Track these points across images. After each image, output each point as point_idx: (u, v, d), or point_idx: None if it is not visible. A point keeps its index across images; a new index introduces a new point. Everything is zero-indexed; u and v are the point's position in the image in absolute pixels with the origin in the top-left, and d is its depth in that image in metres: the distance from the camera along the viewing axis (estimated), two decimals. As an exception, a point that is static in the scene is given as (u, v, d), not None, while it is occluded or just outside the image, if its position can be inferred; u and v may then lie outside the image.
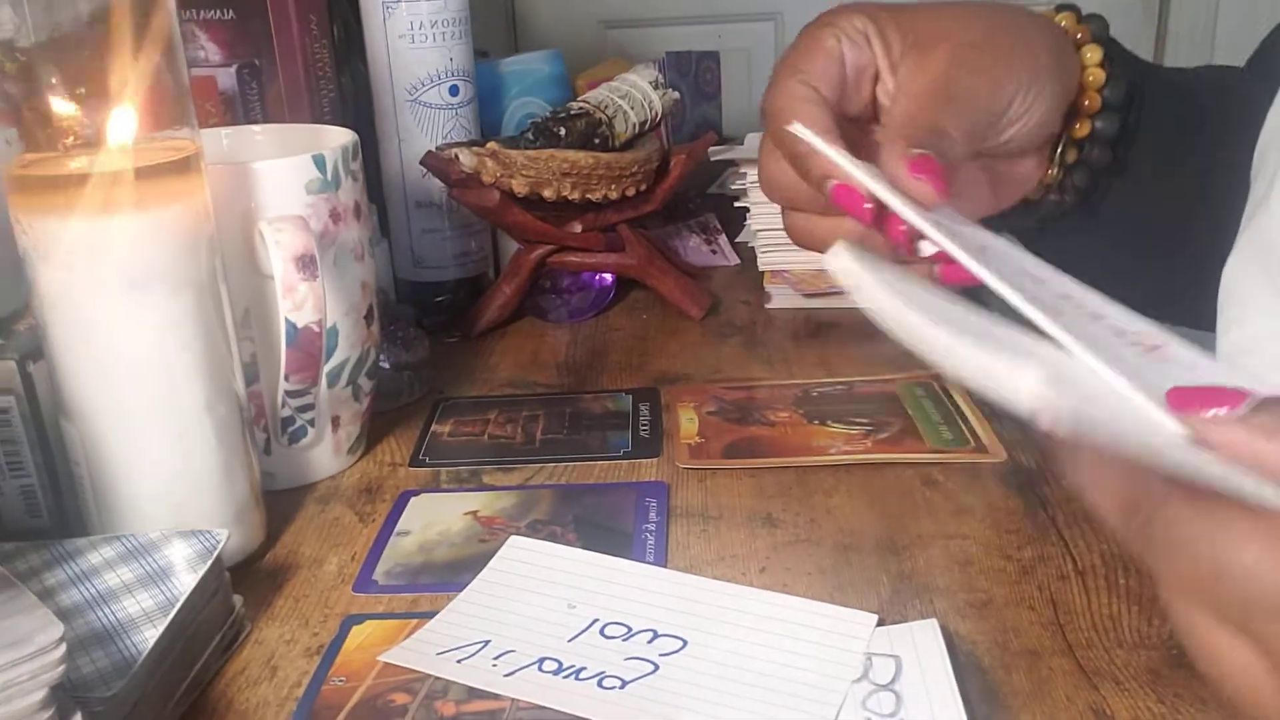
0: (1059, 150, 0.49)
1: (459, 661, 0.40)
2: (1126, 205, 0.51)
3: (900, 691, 0.37)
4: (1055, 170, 0.50)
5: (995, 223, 0.46)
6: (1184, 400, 0.29)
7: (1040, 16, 0.49)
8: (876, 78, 0.47)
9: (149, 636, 0.37)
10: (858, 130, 0.47)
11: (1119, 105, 0.49)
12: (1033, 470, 0.53)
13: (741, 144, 0.86)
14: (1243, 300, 0.43)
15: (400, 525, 0.51)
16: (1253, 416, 0.28)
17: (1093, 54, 0.49)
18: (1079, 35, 0.49)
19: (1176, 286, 0.52)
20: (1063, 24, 0.50)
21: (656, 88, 0.77)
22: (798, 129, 0.42)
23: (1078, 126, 0.49)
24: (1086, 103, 0.49)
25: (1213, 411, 0.28)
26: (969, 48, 0.44)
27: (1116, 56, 0.49)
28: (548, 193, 0.69)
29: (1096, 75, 0.49)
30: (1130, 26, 1.73)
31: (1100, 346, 0.30)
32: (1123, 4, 1.73)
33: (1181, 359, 0.31)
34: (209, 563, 0.41)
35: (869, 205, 0.41)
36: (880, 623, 0.41)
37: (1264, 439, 0.28)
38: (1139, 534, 0.29)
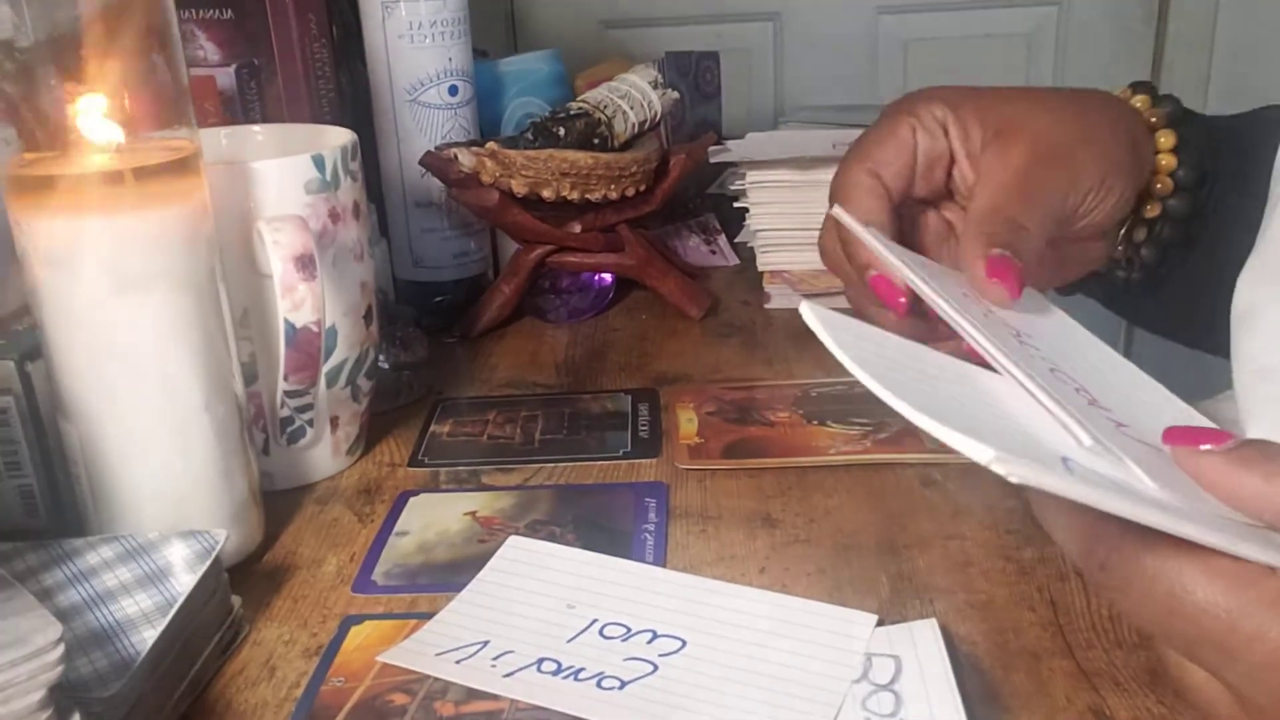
0: (1126, 230, 0.50)
1: (458, 662, 0.40)
2: (1194, 277, 0.52)
3: (900, 691, 0.37)
4: (1123, 249, 0.51)
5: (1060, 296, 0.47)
6: (1177, 434, 0.31)
7: (1118, 102, 0.50)
8: (952, 163, 0.48)
9: (147, 637, 0.37)
10: (931, 210, 0.49)
11: (1190, 186, 0.50)
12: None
13: (742, 139, 0.86)
14: (1260, 325, 0.43)
15: (399, 525, 0.51)
16: (1233, 450, 0.30)
17: (1166, 139, 0.49)
18: (1153, 120, 0.50)
19: None
20: (1137, 105, 0.50)
21: (656, 88, 0.77)
22: (840, 214, 0.44)
23: (1148, 208, 0.50)
24: (1159, 186, 0.49)
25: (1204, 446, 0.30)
26: (1049, 143, 0.45)
27: (1189, 138, 0.50)
28: (547, 193, 0.69)
29: (1169, 161, 0.49)
30: (1130, 26, 1.73)
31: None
32: (1123, 3, 1.73)
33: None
34: (207, 563, 0.41)
35: (903, 300, 0.43)
36: (880, 623, 0.41)
37: (1242, 470, 0.29)
38: (1096, 575, 0.30)
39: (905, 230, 0.48)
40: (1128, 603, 0.30)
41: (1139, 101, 0.50)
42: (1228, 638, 0.28)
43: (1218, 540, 0.27)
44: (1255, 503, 0.29)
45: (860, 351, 0.30)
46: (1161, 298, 0.53)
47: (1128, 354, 0.41)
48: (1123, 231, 0.51)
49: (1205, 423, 0.36)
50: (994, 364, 0.34)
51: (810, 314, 0.31)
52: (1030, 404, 0.32)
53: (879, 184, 0.46)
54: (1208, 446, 0.30)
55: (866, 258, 0.44)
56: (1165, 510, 0.27)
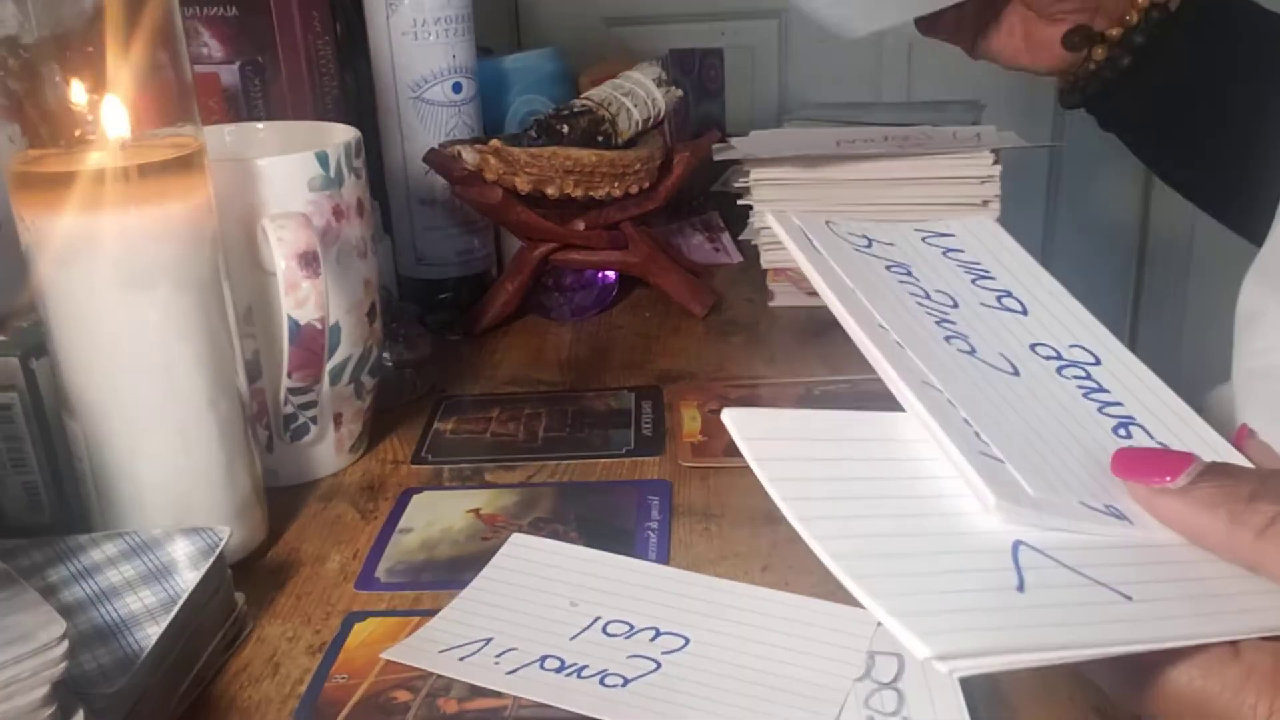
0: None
1: (461, 659, 0.40)
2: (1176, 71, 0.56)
3: (903, 689, 0.37)
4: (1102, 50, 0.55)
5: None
6: (1128, 466, 0.30)
7: None
8: None
9: (151, 633, 0.37)
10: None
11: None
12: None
13: (746, 137, 0.86)
14: (1261, 325, 0.43)
15: (402, 523, 0.51)
16: (1193, 488, 0.29)
17: None
18: None
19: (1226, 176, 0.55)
20: None
21: (660, 85, 0.77)
22: (771, 220, 0.39)
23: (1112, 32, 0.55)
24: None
25: (1151, 480, 0.29)
26: None
27: None
28: (551, 190, 0.69)
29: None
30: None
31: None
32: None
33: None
34: (211, 560, 0.41)
35: None
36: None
37: (1203, 512, 0.28)
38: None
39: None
40: (1101, 680, 0.30)
41: None
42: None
43: (1188, 637, 0.26)
44: (1221, 547, 0.28)
45: (783, 468, 0.29)
46: (1144, 97, 0.57)
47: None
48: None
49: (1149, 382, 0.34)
50: (901, 401, 0.32)
51: (729, 419, 0.30)
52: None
53: None
54: (1165, 481, 0.29)
55: None
56: (1136, 630, 0.26)
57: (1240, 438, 0.33)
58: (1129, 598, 0.27)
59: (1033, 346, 0.36)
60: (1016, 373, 0.34)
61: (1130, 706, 0.29)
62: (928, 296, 0.37)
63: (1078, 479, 0.31)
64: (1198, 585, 0.28)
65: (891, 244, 0.40)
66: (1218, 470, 0.29)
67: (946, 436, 0.30)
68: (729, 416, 0.30)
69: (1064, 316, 0.38)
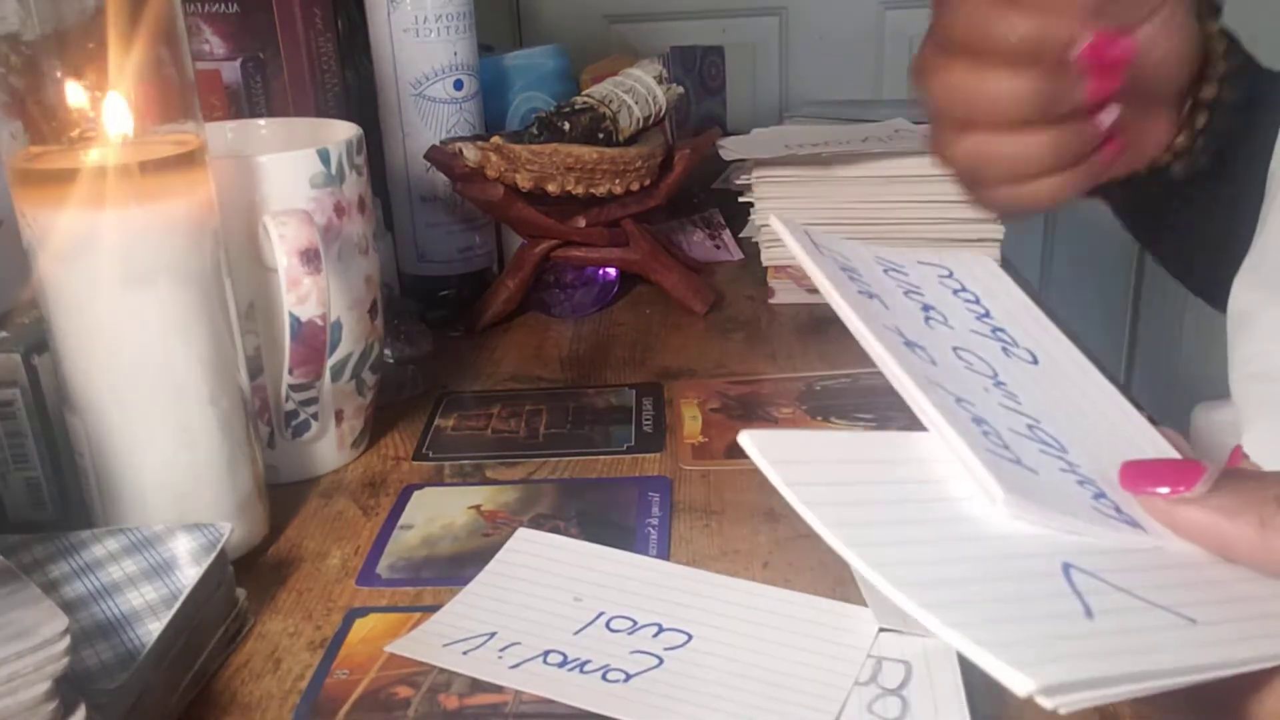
0: (1187, 112, 0.49)
1: (465, 653, 0.40)
2: (1257, 171, 0.50)
3: (907, 697, 0.37)
4: (1184, 135, 0.49)
5: (1127, 192, 0.45)
6: (1139, 478, 0.28)
7: None
8: None
9: (153, 629, 0.37)
10: None
11: (1242, 72, 0.48)
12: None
13: (747, 134, 0.86)
14: (1251, 329, 0.43)
15: (403, 519, 0.51)
16: (1211, 498, 0.27)
17: (1213, 25, 0.48)
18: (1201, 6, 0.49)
19: None
20: None
21: (661, 82, 0.77)
22: (775, 223, 0.40)
23: (1205, 89, 0.48)
24: (1211, 68, 0.48)
25: (1166, 489, 0.28)
26: None
27: (1229, 35, 0.49)
28: (552, 187, 0.69)
29: (1219, 42, 0.48)
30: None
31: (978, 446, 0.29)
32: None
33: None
34: (213, 556, 0.41)
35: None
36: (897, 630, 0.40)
37: (1228, 521, 0.27)
38: None
39: None
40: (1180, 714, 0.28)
41: None
42: None
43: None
44: (1252, 555, 0.27)
45: (811, 490, 0.27)
46: (1224, 196, 0.51)
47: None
48: (1185, 112, 0.49)
49: (1141, 423, 0.33)
50: (908, 400, 0.31)
51: (749, 443, 0.28)
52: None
53: None
54: (1180, 490, 0.27)
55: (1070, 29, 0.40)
56: (1220, 653, 0.25)
57: (1233, 461, 0.32)
58: (1193, 620, 0.25)
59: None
60: (1017, 398, 0.34)
61: None
62: (930, 309, 0.37)
63: (1087, 485, 0.30)
64: (1254, 605, 0.27)
65: (901, 268, 0.40)
66: (1235, 475, 0.28)
67: (954, 432, 0.29)
68: (747, 439, 0.29)
69: (1063, 362, 0.37)
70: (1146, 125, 0.48)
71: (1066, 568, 0.26)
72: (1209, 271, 0.51)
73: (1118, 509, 0.29)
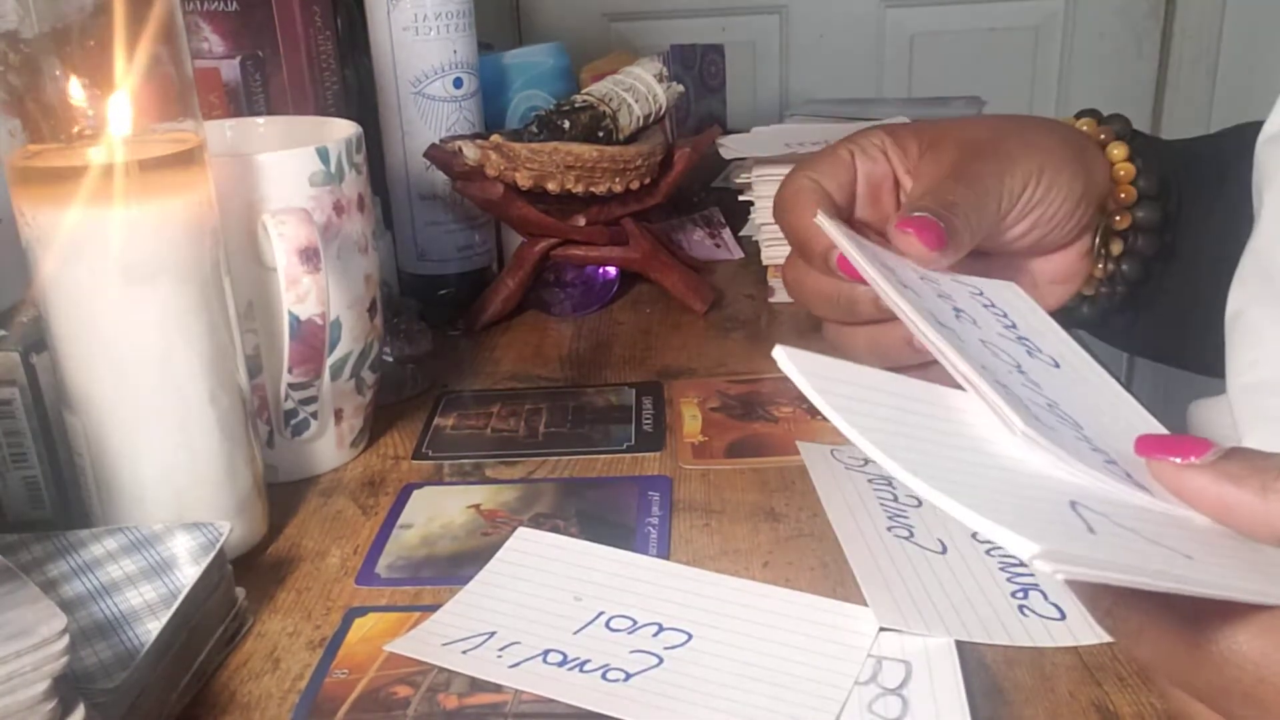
0: (1098, 242, 0.51)
1: (464, 652, 0.40)
2: (1180, 294, 0.52)
3: (907, 696, 0.37)
4: (1101, 264, 0.51)
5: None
6: (1153, 445, 0.30)
7: (1057, 121, 0.51)
8: (898, 187, 0.49)
9: (152, 628, 0.37)
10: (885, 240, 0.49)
11: (1155, 194, 0.50)
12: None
13: (747, 133, 0.86)
14: (1250, 338, 0.43)
15: (403, 518, 0.51)
16: (1219, 464, 0.28)
17: (1119, 150, 0.50)
18: (1102, 136, 0.51)
19: None
20: (1083, 128, 0.51)
21: (661, 81, 0.77)
22: (822, 221, 0.44)
23: (1118, 220, 0.50)
24: (1122, 195, 0.50)
25: (1177, 459, 0.29)
26: (979, 141, 0.47)
27: (1144, 150, 0.50)
28: (551, 186, 0.69)
29: (1127, 169, 0.50)
30: (1137, 21, 1.73)
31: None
32: (1128, 3, 1.72)
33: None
34: (212, 555, 0.41)
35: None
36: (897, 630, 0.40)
37: (1232, 485, 0.28)
38: (1104, 621, 0.29)
39: None
40: (1142, 651, 0.29)
41: (1084, 124, 0.52)
42: (1256, 688, 0.26)
43: (1247, 594, 0.26)
44: (1253, 521, 0.28)
45: (841, 399, 0.29)
46: (1150, 319, 0.53)
47: (1129, 373, 0.41)
48: (1099, 246, 0.51)
49: (1156, 426, 0.34)
50: (931, 349, 0.34)
51: (783, 357, 0.30)
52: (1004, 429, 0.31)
53: (819, 188, 0.47)
54: (1190, 459, 0.28)
55: (826, 244, 0.44)
56: (1196, 573, 0.25)
57: None
58: (1190, 557, 0.26)
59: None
60: (1040, 386, 0.35)
61: (1182, 679, 0.28)
62: (960, 311, 0.39)
63: (1099, 453, 0.31)
64: (1248, 552, 0.28)
65: (933, 278, 0.42)
66: (1243, 450, 0.29)
67: (979, 378, 0.31)
68: (781, 353, 0.30)
69: (1084, 370, 0.38)
70: (1055, 263, 0.50)
71: (1073, 504, 0.27)
72: (1195, 351, 0.52)
73: (1128, 475, 0.30)
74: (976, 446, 0.30)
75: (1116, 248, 0.51)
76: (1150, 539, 0.27)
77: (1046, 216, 0.47)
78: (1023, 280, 0.46)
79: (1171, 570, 0.25)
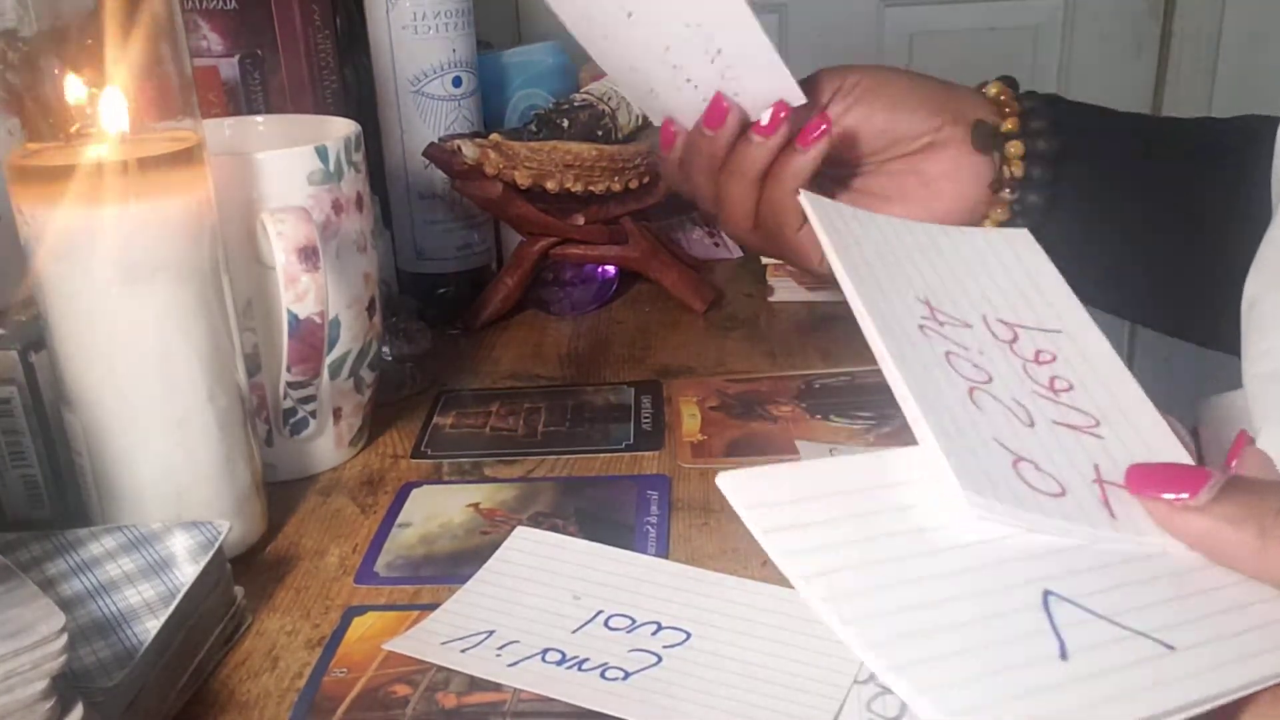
0: (997, 158, 0.54)
1: (463, 651, 0.40)
2: (1198, 267, 0.53)
3: None
4: (1000, 165, 0.54)
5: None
6: (1144, 482, 0.29)
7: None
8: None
9: (150, 627, 0.37)
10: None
11: (1040, 101, 0.55)
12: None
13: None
14: (1269, 326, 0.43)
15: (402, 517, 0.51)
16: (1215, 506, 0.27)
17: (996, 88, 0.56)
18: (995, 91, 0.56)
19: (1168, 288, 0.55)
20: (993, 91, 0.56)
21: (660, 80, 0.77)
22: (805, 199, 0.43)
23: (1006, 124, 0.54)
24: (1007, 109, 0.55)
25: (1171, 495, 0.28)
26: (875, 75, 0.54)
27: (1035, 98, 0.56)
28: (550, 185, 0.69)
29: (999, 87, 0.56)
30: (1136, 19, 1.73)
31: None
32: (1128, 3, 1.72)
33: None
34: (210, 554, 0.41)
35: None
36: None
37: (1229, 529, 0.27)
38: None
39: None
40: None
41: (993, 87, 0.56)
42: None
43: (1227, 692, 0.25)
44: (1250, 564, 0.27)
45: (786, 539, 0.28)
46: (1170, 298, 0.55)
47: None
48: (998, 163, 0.54)
49: (1145, 407, 0.33)
50: (889, 380, 0.33)
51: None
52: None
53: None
54: (1183, 497, 0.27)
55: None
56: (1189, 690, 0.24)
57: (1238, 445, 0.32)
58: (1171, 647, 0.25)
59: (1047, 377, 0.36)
60: (1026, 406, 0.34)
61: None
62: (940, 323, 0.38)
63: (1078, 483, 0.30)
64: (1236, 617, 0.26)
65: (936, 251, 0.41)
66: (1240, 484, 0.28)
67: (929, 429, 0.30)
68: (725, 482, 0.29)
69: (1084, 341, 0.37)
70: (941, 163, 0.54)
71: (1046, 596, 0.26)
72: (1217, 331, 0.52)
73: (1107, 506, 0.29)
74: (931, 563, 0.28)
75: (1014, 149, 0.54)
76: (1130, 629, 0.26)
77: (915, 123, 0.52)
78: (910, 186, 0.53)
79: (1156, 709, 0.24)
